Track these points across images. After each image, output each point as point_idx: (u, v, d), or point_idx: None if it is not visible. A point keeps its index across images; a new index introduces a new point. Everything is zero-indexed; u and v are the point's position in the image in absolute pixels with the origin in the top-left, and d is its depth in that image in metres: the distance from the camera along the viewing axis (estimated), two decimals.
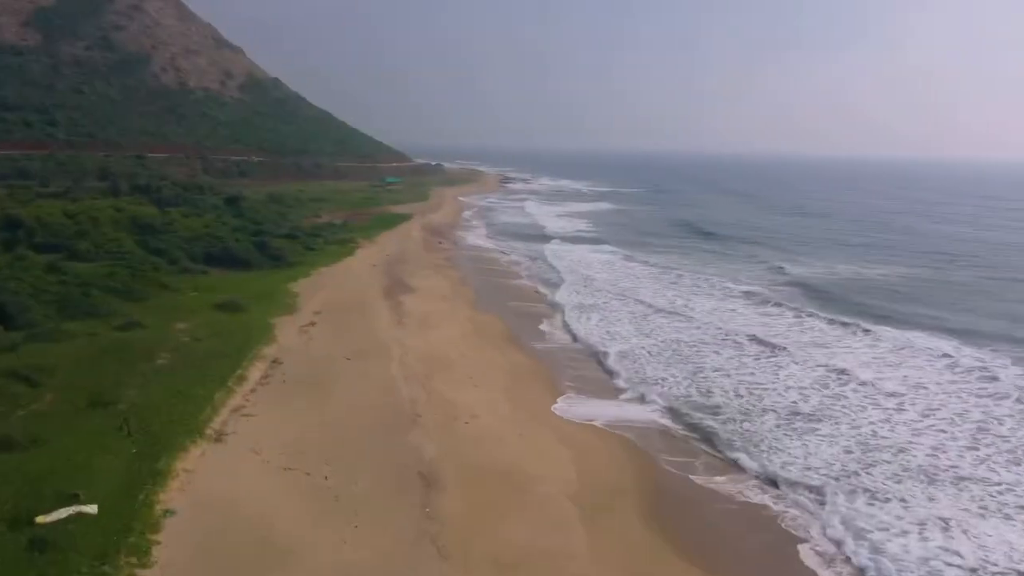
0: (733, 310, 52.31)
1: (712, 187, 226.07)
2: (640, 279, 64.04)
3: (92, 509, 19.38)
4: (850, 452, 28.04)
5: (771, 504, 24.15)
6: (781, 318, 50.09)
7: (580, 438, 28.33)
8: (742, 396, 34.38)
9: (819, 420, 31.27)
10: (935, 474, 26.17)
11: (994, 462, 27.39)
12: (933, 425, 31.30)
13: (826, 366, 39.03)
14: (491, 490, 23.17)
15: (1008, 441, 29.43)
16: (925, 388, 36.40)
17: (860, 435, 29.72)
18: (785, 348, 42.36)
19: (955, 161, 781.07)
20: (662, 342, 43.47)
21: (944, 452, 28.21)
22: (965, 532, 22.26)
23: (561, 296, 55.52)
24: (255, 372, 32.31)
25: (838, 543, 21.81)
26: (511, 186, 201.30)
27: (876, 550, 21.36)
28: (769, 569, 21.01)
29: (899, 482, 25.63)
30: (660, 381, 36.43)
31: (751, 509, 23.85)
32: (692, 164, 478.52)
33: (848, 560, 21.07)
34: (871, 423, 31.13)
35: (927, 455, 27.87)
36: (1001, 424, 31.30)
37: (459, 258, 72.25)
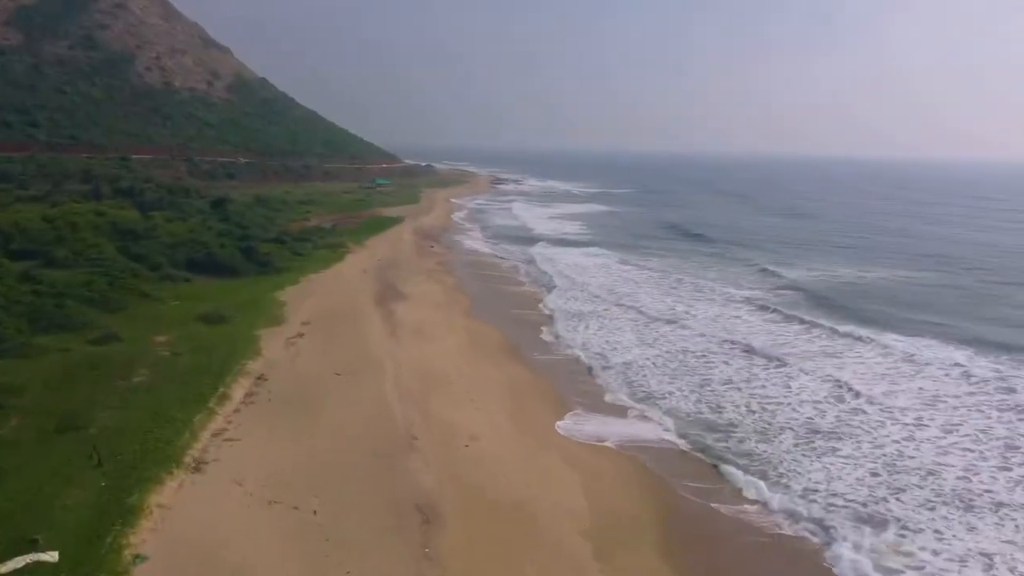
0: (737, 317, 50.58)
1: (702, 187, 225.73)
2: (638, 284, 62.20)
3: (52, 557, 17.37)
4: (876, 475, 26.29)
5: (810, 536, 22.29)
6: (786, 326, 48.31)
7: (588, 461, 26.42)
8: (755, 412, 32.59)
9: (839, 438, 29.51)
10: (971, 500, 24.44)
11: None
12: (958, 443, 29.61)
13: (838, 379, 37.26)
14: (496, 525, 21.24)
15: None
16: (943, 401, 34.78)
17: (885, 455, 27.98)
18: (794, 359, 40.65)
19: (941, 161, 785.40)
20: (666, 352, 41.67)
21: (976, 474, 26.50)
22: (1012, 571, 20.48)
23: (557, 303, 53.65)
24: (239, 390, 30.23)
25: None
26: (502, 187, 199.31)
27: None
28: None
29: (932, 509, 23.89)
30: (667, 395, 34.61)
31: (785, 543, 21.97)
32: (681, 164, 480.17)
33: None
34: (894, 441, 29.42)
35: (958, 478, 26.15)
36: None
37: (452, 263, 70.22)
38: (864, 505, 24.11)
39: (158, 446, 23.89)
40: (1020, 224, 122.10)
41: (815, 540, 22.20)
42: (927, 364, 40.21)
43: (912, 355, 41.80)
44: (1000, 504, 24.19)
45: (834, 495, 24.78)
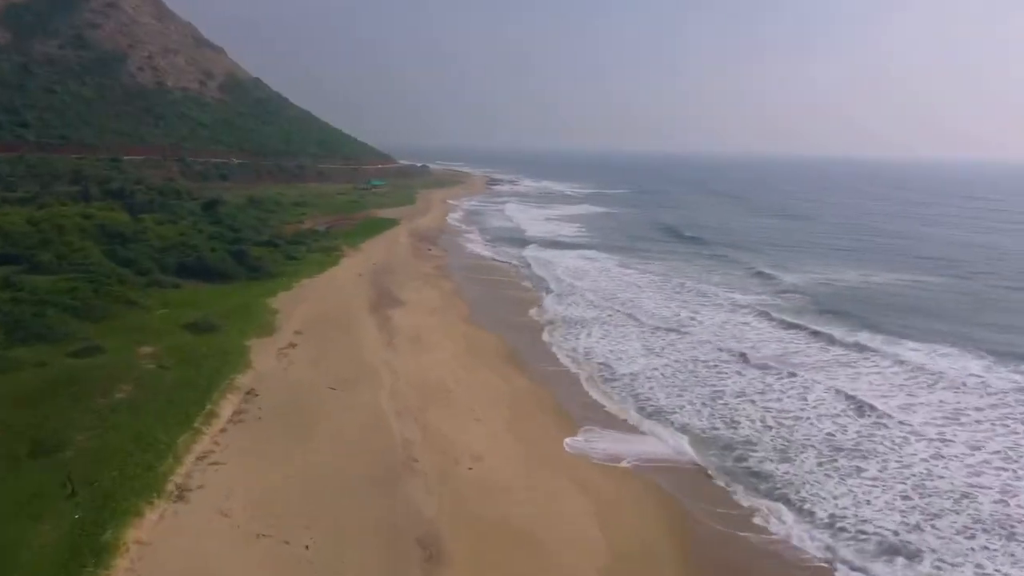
0: (745, 323, 48.93)
1: (697, 188, 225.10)
2: (640, 289, 60.53)
3: None
4: (907, 498, 24.68)
5: (841, 569, 20.66)
6: (795, 333, 46.61)
7: (600, 485, 24.72)
8: (771, 427, 30.96)
9: (863, 457, 27.89)
10: (1012, 527, 22.83)
11: None
12: (988, 461, 28.05)
13: (855, 390, 35.66)
14: (504, 562, 19.55)
15: None
16: (965, 415, 33.28)
17: (913, 476, 26.39)
18: (806, 369, 39.10)
19: (937, 162, 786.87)
20: (675, 361, 40.03)
21: (1014, 496, 24.92)
22: None
23: (557, 308, 51.98)
24: (227, 407, 28.48)
25: None
26: (498, 188, 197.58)
27: None
28: None
29: (971, 538, 22.29)
30: (678, 409, 32.97)
31: None
32: (676, 164, 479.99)
33: None
34: (922, 460, 27.82)
35: (995, 501, 24.55)
36: None
37: (449, 266, 68.48)
38: (896, 533, 22.51)
39: (138, 472, 22.15)
40: (1021, 226, 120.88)
41: (847, 573, 20.55)
42: (943, 374, 38.62)
43: (926, 365, 40.23)
44: None
45: (864, 521, 23.17)
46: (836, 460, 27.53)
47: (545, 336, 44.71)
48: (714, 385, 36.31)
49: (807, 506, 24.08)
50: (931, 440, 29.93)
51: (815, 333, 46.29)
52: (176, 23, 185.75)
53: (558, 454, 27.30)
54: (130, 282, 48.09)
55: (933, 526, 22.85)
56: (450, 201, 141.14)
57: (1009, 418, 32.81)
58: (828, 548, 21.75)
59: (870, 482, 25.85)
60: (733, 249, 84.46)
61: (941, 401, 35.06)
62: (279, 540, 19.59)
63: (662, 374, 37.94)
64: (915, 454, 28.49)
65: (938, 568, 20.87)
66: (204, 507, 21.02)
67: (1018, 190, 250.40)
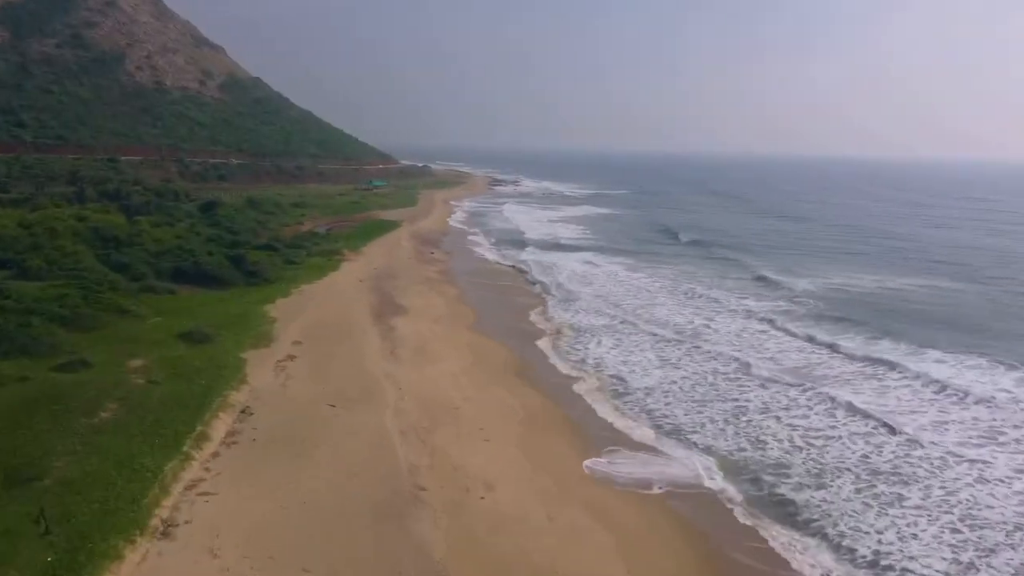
0: (762, 332, 46.98)
1: (698, 188, 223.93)
2: (651, 294, 58.63)
3: None
4: (956, 531, 22.75)
5: None
6: (814, 342, 44.58)
7: (622, 516, 22.77)
8: (801, 448, 29.03)
9: (904, 482, 25.97)
10: None
11: None
12: None
13: (883, 406, 33.85)
14: None
15: None
16: (1002, 433, 31.49)
17: (960, 504, 24.48)
18: (830, 381, 37.25)
19: (937, 162, 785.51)
20: (694, 374, 38.12)
21: None
22: None
23: (565, 315, 50.11)
24: (219, 427, 26.59)
25: None
26: (500, 188, 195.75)
27: None
28: None
29: None
30: (700, 428, 31.04)
31: None
32: (676, 164, 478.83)
33: None
34: (966, 485, 25.95)
35: None
36: None
37: (453, 270, 66.56)
38: (947, 575, 20.59)
39: (120, 505, 20.23)
40: None
41: None
42: (972, 388, 36.60)
43: (953, 378, 38.24)
44: None
45: (911, 559, 21.25)
46: (875, 486, 25.61)
47: (554, 345, 42.80)
48: (736, 399, 34.41)
49: (847, 542, 22.10)
50: (972, 462, 28.04)
51: (835, 342, 44.35)
52: (175, 22, 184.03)
53: (576, 479, 25.38)
54: (122, 288, 46.21)
55: (989, 564, 20.94)
56: (452, 202, 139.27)
57: None
58: None
59: (914, 512, 23.93)
60: (741, 253, 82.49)
61: (975, 418, 33.17)
62: None
63: (680, 388, 36.04)
64: (958, 479, 26.59)
65: None
66: (191, 546, 19.11)
67: (1019, 190, 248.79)
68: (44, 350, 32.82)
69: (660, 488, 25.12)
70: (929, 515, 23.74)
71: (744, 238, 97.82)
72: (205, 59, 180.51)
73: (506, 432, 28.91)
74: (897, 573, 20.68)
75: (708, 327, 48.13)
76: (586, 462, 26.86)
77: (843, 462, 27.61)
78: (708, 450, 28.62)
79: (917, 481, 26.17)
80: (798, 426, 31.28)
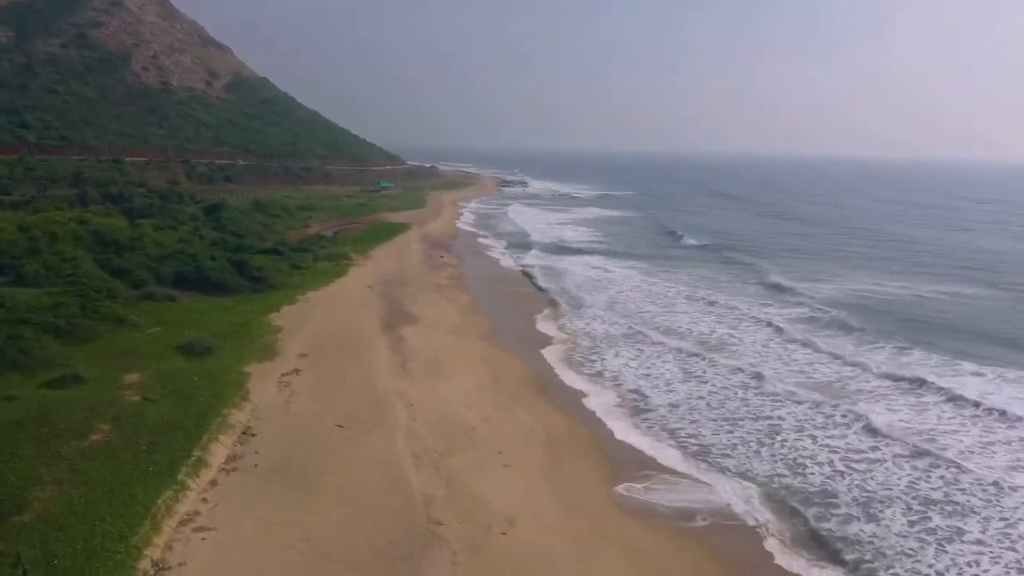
0: (791, 342, 44.80)
1: (701, 189, 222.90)
2: (669, 301, 56.53)
3: None
4: (1023, 570, 20.70)
5: None
6: (844, 354, 42.35)
7: (658, 556, 20.76)
8: (843, 474, 26.97)
9: (960, 514, 23.88)
10: None
11: None
12: None
13: (924, 425, 31.85)
14: None
15: None
16: None
17: (1022, 539, 22.38)
18: (865, 397, 35.23)
19: (939, 161, 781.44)
20: (722, 388, 36.10)
21: None
22: None
23: (581, 324, 48.12)
24: (218, 452, 24.69)
25: None
26: (509, 190, 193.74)
27: None
28: None
29: None
30: (731, 450, 29.02)
31: None
32: (677, 164, 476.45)
33: None
34: None
35: None
36: None
37: (465, 276, 64.60)
38: None
39: (107, 545, 18.34)
40: None
41: None
42: (1014, 405, 34.35)
43: (993, 394, 35.93)
44: None
45: None
46: (929, 519, 23.54)
47: (570, 357, 40.81)
48: (769, 417, 32.35)
49: None
50: None
51: (865, 354, 42.27)
52: (182, 22, 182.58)
53: (604, 511, 23.39)
54: (121, 296, 44.35)
55: None
56: (461, 204, 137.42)
57: None
58: None
59: (975, 548, 21.87)
60: (757, 257, 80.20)
61: (1022, 438, 31.08)
62: None
63: (708, 404, 34.01)
64: (1016, 508, 24.52)
65: None
66: None
67: None
68: (35, 364, 30.96)
69: (695, 520, 23.13)
70: (991, 553, 21.69)
71: (758, 241, 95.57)
72: (212, 59, 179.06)
73: (527, 456, 26.94)
74: None
75: (732, 336, 46.11)
76: (615, 488, 24.89)
77: (891, 490, 25.54)
78: (745, 475, 26.59)
79: (974, 512, 24.10)
80: (837, 448, 29.22)
